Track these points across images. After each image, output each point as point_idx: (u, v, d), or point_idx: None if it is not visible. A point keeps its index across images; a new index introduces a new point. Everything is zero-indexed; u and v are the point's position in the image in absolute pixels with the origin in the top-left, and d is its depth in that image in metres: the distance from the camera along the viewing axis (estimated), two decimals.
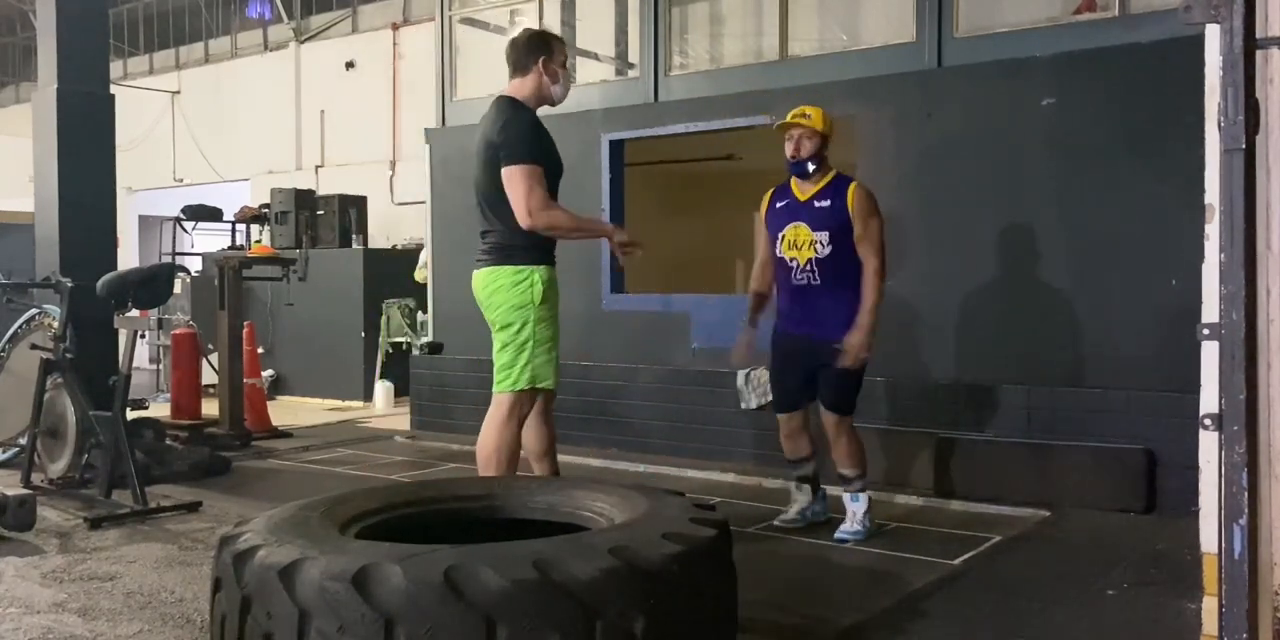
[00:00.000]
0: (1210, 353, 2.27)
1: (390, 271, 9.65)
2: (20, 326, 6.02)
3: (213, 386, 7.54)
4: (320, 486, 5.27)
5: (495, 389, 3.94)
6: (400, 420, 7.93)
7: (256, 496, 5.29)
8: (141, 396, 5.96)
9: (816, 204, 4.34)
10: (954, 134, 5.48)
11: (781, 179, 4.53)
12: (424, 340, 7.98)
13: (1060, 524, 4.62)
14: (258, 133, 13.43)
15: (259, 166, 13.35)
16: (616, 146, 6.74)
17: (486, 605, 1.98)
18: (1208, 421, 1.92)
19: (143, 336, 8.40)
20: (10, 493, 4.39)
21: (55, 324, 5.57)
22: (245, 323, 7.54)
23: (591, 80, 8.10)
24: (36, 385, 5.32)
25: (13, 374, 5.89)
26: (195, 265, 10.91)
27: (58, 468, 5.39)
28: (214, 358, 7.42)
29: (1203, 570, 2.53)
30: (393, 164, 12.04)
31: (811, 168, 4.35)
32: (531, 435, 4.04)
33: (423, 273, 8.36)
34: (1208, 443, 2.40)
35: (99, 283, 5.10)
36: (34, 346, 5.54)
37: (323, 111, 12.88)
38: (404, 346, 8.96)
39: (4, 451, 6.06)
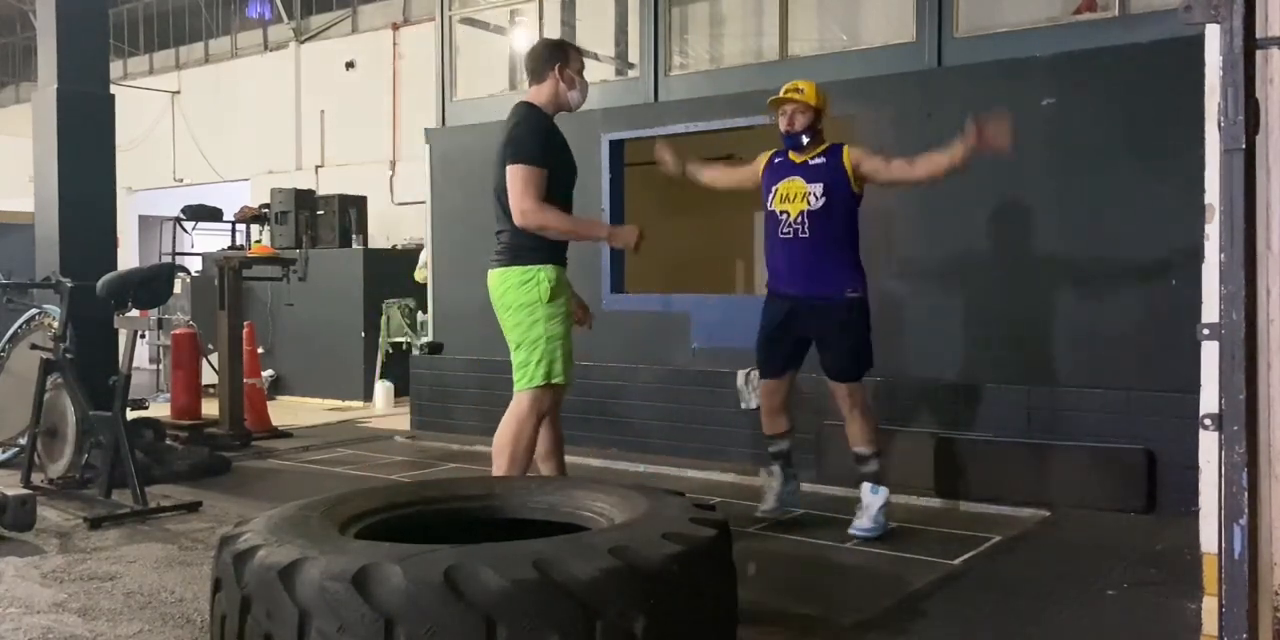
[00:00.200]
0: (1210, 353, 2.27)
1: (390, 271, 9.65)
2: (20, 326, 6.02)
3: (213, 386, 7.54)
4: (320, 486, 5.27)
5: (515, 388, 4.01)
6: (400, 420, 7.93)
7: (256, 496, 5.29)
8: (141, 396, 5.96)
9: (811, 162, 4.38)
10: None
11: None
12: (424, 340, 7.98)
13: (1060, 524, 4.62)
14: (258, 133, 13.43)
15: (259, 166, 13.35)
16: (616, 146, 6.74)
17: (486, 605, 1.98)
18: (1208, 421, 1.92)
19: (143, 336, 8.40)
20: (10, 493, 4.39)
21: (55, 324, 5.57)
22: (245, 323, 7.54)
23: (591, 80, 8.11)
24: (36, 385, 5.32)
25: (13, 374, 5.89)
26: (195, 265, 10.91)
27: (58, 468, 5.39)
28: (214, 358, 7.42)
29: (1203, 570, 2.53)
30: (393, 164, 12.05)
31: (805, 140, 4.38)
32: (537, 434, 4.08)
33: (423, 273, 8.36)
34: (1208, 443, 2.40)
35: (99, 283, 5.10)
36: (34, 346, 5.53)
37: (323, 111, 12.89)
38: (404, 346, 8.96)
39: (4, 451, 6.06)
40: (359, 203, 10.44)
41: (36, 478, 5.38)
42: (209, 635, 2.46)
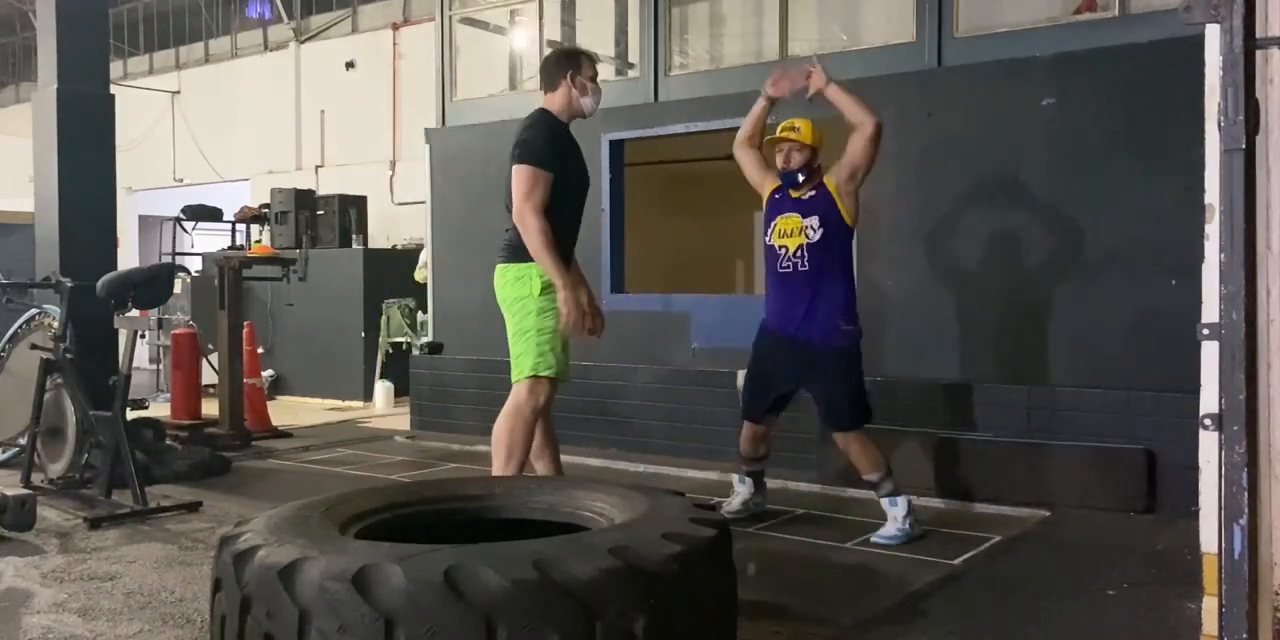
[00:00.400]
0: (1210, 353, 2.27)
1: (390, 271, 9.65)
2: (20, 326, 6.01)
3: (213, 386, 7.53)
4: (320, 486, 5.27)
5: (512, 380, 4.11)
6: (400, 420, 7.93)
7: (256, 496, 5.29)
8: (141, 396, 5.96)
9: (805, 197, 4.42)
10: (954, 134, 5.49)
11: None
12: (424, 340, 7.98)
13: (1060, 524, 4.62)
14: (258, 133, 13.43)
15: (259, 166, 13.35)
16: (616, 146, 6.74)
17: (486, 605, 1.98)
18: (1208, 421, 1.92)
19: (143, 336, 8.40)
20: (10, 493, 4.39)
21: (55, 324, 5.57)
22: (245, 323, 7.53)
23: None
24: (36, 385, 5.32)
25: (13, 374, 5.89)
26: (195, 265, 10.91)
27: (58, 468, 5.39)
28: (214, 358, 7.42)
29: (1203, 570, 2.53)
30: (393, 164, 12.05)
31: (801, 178, 4.42)
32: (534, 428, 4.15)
33: (423, 273, 8.36)
34: (1208, 443, 2.40)
35: (99, 283, 5.10)
36: (34, 346, 5.53)
37: (323, 111, 12.89)
38: (404, 346, 8.96)
39: (4, 451, 6.06)
40: (359, 203, 10.44)
41: (36, 478, 5.38)
42: (209, 635, 2.46)
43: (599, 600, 2.04)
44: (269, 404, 7.97)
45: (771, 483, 5.18)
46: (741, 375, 4.89)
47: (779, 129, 4.46)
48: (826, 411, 4.44)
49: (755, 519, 4.66)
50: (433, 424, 7.45)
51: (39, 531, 4.44)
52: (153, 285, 5.24)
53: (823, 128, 4.51)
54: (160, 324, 9.14)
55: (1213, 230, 2.24)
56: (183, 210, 11.09)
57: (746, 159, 4.63)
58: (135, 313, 5.93)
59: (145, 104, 14.21)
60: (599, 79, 4.34)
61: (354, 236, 10.12)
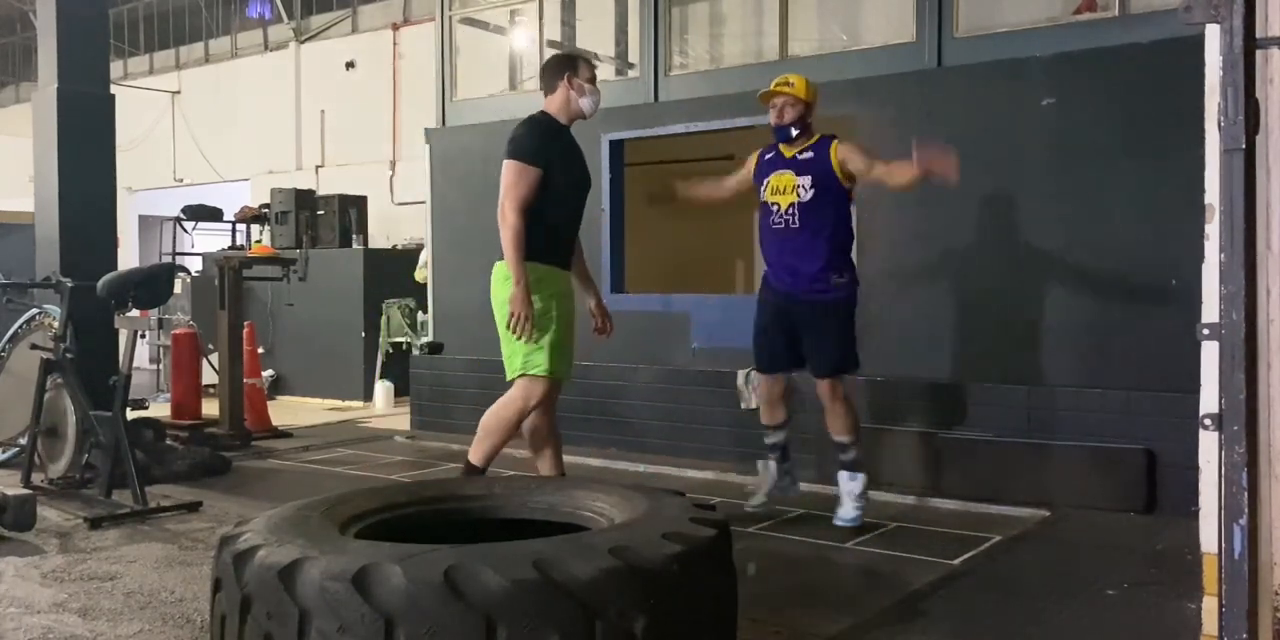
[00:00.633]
0: (1210, 353, 2.27)
1: (390, 271, 9.65)
2: (20, 326, 6.02)
3: (213, 386, 7.54)
4: (320, 486, 5.27)
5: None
6: (400, 420, 7.93)
7: (256, 496, 5.29)
8: (141, 396, 5.96)
9: (800, 156, 4.46)
10: (954, 134, 5.47)
11: None
12: (424, 340, 7.98)
13: (1060, 524, 4.62)
14: (258, 133, 13.43)
15: (259, 166, 13.35)
16: (616, 146, 6.74)
17: (486, 605, 1.98)
18: (1208, 421, 1.92)
19: (143, 336, 8.39)
20: (10, 493, 4.39)
21: (55, 324, 5.57)
22: (245, 323, 7.53)
23: None
24: (36, 385, 5.32)
25: (13, 374, 5.89)
26: (195, 265, 10.91)
27: (58, 468, 5.40)
28: (214, 358, 7.42)
29: (1203, 570, 2.53)
30: (393, 164, 12.05)
31: (795, 132, 4.46)
32: (532, 427, 4.32)
33: (423, 273, 8.36)
34: (1208, 443, 2.40)
35: (99, 283, 5.10)
36: (34, 346, 5.53)
37: (323, 111, 12.89)
38: (404, 346, 8.96)
39: (4, 451, 6.06)
40: (359, 203, 10.44)
41: (36, 478, 5.38)
42: (209, 635, 2.46)
43: (599, 600, 2.04)
44: (269, 404, 7.97)
45: None
46: (741, 375, 4.91)
47: (772, 83, 4.51)
48: (812, 358, 4.46)
49: (755, 519, 4.65)
50: (433, 424, 7.45)
51: (39, 531, 4.44)
52: (153, 285, 5.24)
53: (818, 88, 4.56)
54: (160, 324, 9.13)
55: (1213, 230, 2.23)
56: (183, 210, 11.10)
57: (716, 190, 4.75)
58: (135, 313, 5.93)
59: (145, 104, 14.21)
60: (598, 80, 4.41)
61: (354, 236, 10.12)
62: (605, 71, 8.37)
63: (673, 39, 6.86)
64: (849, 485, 4.45)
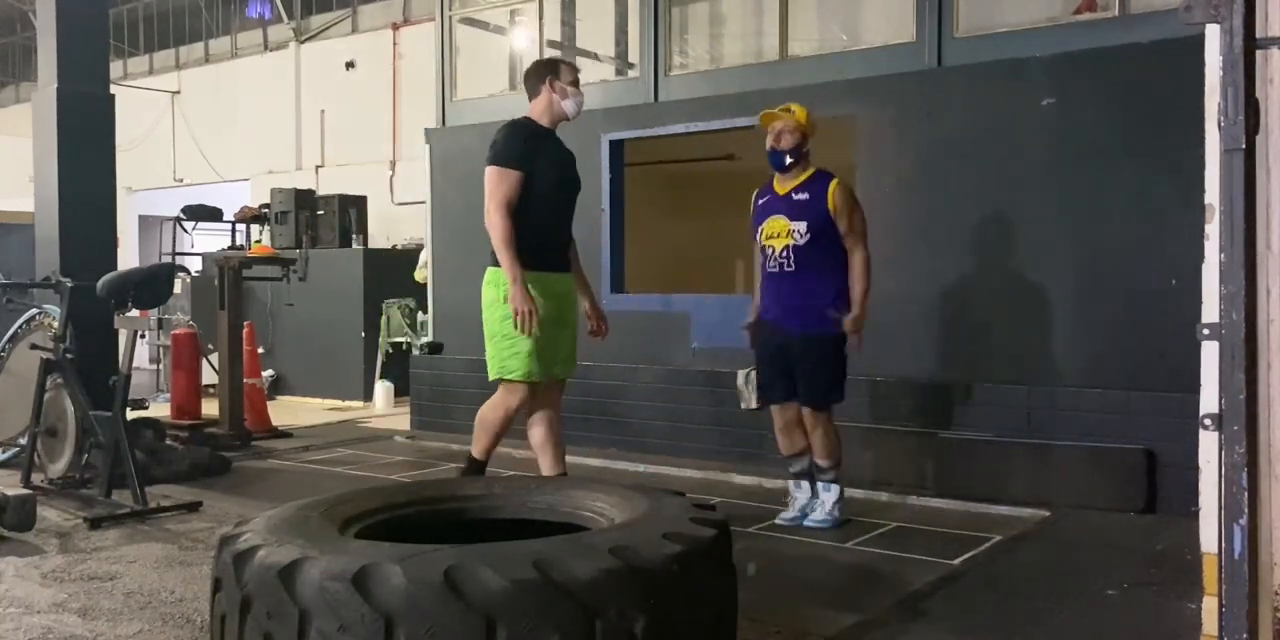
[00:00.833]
0: (1210, 353, 2.27)
1: (390, 271, 9.65)
2: (20, 326, 6.02)
3: (213, 386, 7.54)
4: (320, 486, 5.27)
5: None
6: (400, 420, 7.93)
7: (256, 496, 5.29)
8: (141, 396, 5.96)
9: (795, 196, 4.46)
10: (954, 134, 5.48)
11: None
12: (424, 340, 7.98)
13: (1060, 524, 4.62)
14: (258, 133, 13.43)
15: (259, 166, 13.36)
16: (616, 146, 6.74)
17: (486, 605, 1.98)
18: (1208, 421, 1.92)
19: (143, 336, 8.39)
20: (10, 493, 4.39)
21: (55, 324, 5.57)
22: (245, 323, 7.54)
23: (591, 80, 8.10)
24: (36, 385, 5.32)
25: (13, 374, 5.89)
26: (195, 265, 10.91)
27: (58, 468, 5.40)
28: (214, 358, 7.42)
29: (1203, 570, 2.53)
30: (393, 164, 12.05)
31: (789, 160, 4.45)
32: (531, 427, 4.44)
33: (423, 273, 8.36)
34: (1208, 443, 2.40)
35: (99, 283, 5.10)
36: (34, 346, 5.54)
37: (323, 111, 12.89)
38: (404, 346, 8.96)
39: (4, 451, 6.06)
40: (359, 203, 10.44)
41: (36, 478, 5.38)
42: (209, 635, 2.46)
43: (599, 600, 2.04)
44: (269, 404, 7.97)
45: (772, 483, 5.21)
46: (741, 375, 4.91)
47: (776, 108, 4.52)
48: (803, 389, 4.49)
49: (755, 519, 4.66)
50: (433, 424, 7.45)
51: (39, 531, 4.44)
52: (153, 285, 5.24)
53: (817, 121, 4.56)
54: (160, 324, 9.12)
55: (1213, 230, 2.23)
56: (183, 210, 11.09)
57: None
58: (135, 313, 5.93)
59: (145, 104, 14.21)
60: (580, 83, 4.52)
61: (354, 236, 10.12)
62: (605, 71, 8.39)
63: (673, 39, 6.86)
64: (825, 495, 4.57)
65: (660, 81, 6.63)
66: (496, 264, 4.24)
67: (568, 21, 8.44)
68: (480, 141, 7.06)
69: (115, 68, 10.41)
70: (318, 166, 12.88)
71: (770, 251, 4.49)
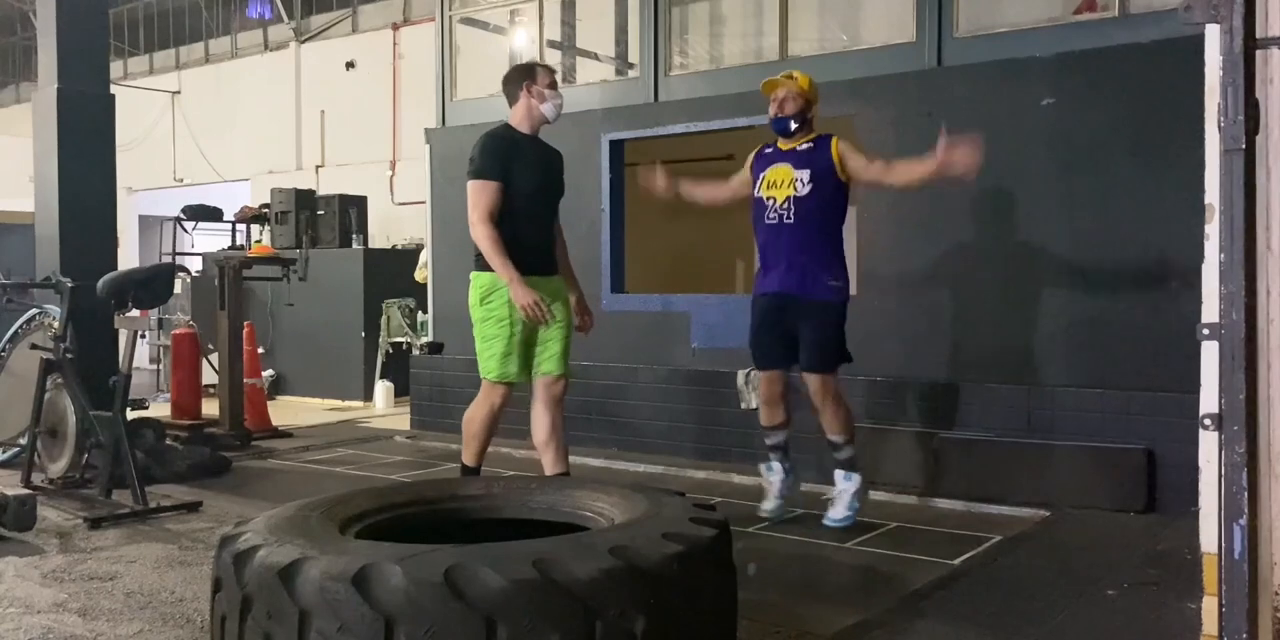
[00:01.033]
0: (1210, 353, 2.27)
1: (390, 271, 9.66)
2: (20, 326, 6.02)
3: (213, 386, 7.54)
4: (320, 486, 5.28)
5: None
6: (400, 420, 7.93)
7: (256, 496, 5.29)
8: (141, 396, 5.96)
9: (799, 149, 4.45)
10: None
11: None
12: (424, 340, 7.98)
13: (1060, 524, 4.62)
14: (258, 133, 13.43)
15: (259, 166, 13.35)
16: (616, 146, 6.74)
17: (486, 605, 1.98)
18: (1208, 421, 1.92)
19: (143, 336, 8.40)
20: (10, 493, 4.39)
21: (55, 324, 5.57)
22: (245, 323, 7.54)
23: (591, 80, 8.10)
24: (36, 385, 5.32)
25: (13, 374, 5.89)
26: (195, 265, 10.91)
27: (58, 468, 5.40)
28: (214, 358, 7.42)
29: (1203, 570, 2.53)
30: (393, 164, 12.04)
31: (794, 125, 4.45)
32: (534, 426, 4.57)
33: (423, 273, 8.36)
34: (1208, 443, 2.40)
35: (99, 283, 5.10)
36: (34, 346, 5.54)
37: (323, 111, 12.88)
38: (404, 346, 8.96)
39: (4, 451, 6.06)
40: (359, 203, 10.44)
41: (36, 478, 5.38)
42: (209, 635, 2.46)
43: (599, 600, 2.04)
44: (269, 404, 7.97)
45: None
46: (741, 375, 4.92)
47: (778, 76, 4.53)
48: (804, 353, 4.45)
49: (755, 519, 4.65)
50: (433, 424, 7.45)
51: (39, 531, 4.44)
52: (153, 285, 5.25)
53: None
54: (160, 324, 9.13)
55: (1213, 230, 2.23)
56: (183, 210, 11.10)
57: (717, 193, 4.76)
58: (135, 313, 5.94)
59: (145, 104, 14.20)
60: (559, 85, 4.62)
61: (354, 236, 10.12)
62: (605, 71, 8.39)
63: (673, 39, 6.86)
64: (844, 485, 4.45)
65: (660, 81, 6.63)
66: (480, 268, 4.42)
67: (568, 21, 8.44)
68: None
69: (115, 68, 10.41)
70: (318, 166, 12.87)
71: (770, 203, 4.43)
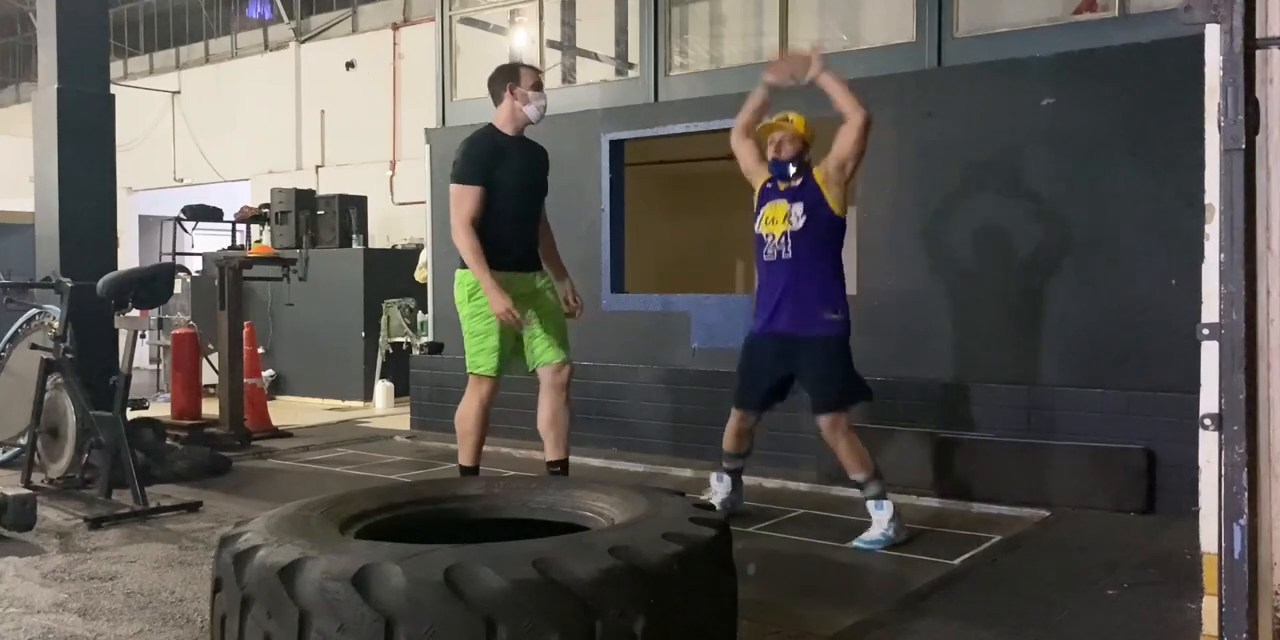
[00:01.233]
0: (1210, 353, 2.27)
1: (390, 271, 9.66)
2: (20, 326, 6.02)
3: (213, 386, 7.54)
4: (320, 486, 5.28)
5: None
6: (400, 420, 7.93)
7: (256, 496, 5.29)
8: (141, 396, 5.96)
9: (794, 186, 4.43)
10: (954, 134, 5.48)
11: None
12: (424, 340, 7.97)
13: (1060, 524, 4.62)
14: (258, 133, 13.43)
15: (259, 166, 13.35)
16: (616, 146, 6.74)
17: (486, 605, 1.98)
18: (1208, 421, 1.92)
19: (143, 336, 8.40)
20: (10, 493, 4.39)
21: (55, 324, 5.57)
22: (245, 323, 7.53)
23: (591, 80, 8.10)
24: (36, 385, 5.32)
25: (13, 374, 5.89)
26: (195, 265, 10.91)
27: (58, 468, 5.39)
28: (214, 358, 7.42)
29: (1203, 570, 2.53)
30: (393, 164, 12.04)
31: (792, 170, 4.43)
32: (539, 413, 4.77)
33: (423, 273, 8.36)
34: (1208, 443, 2.40)
35: (99, 283, 5.10)
36: (34, 346, 5.53)
37: (323, 111, 12.88)
38: (404, 346, 8.96)
39: (4, 451, 6.06)
40: (359, 203, 10.44)
41: (36, 478, 5.38)
42: (209, 635, 2.46)
43: (599, 600, 2.04)
44: (269, 404, 7.97)
45: (771, 483, 5.21)
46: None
47: (774, 119, 4.50)
48: (811, 395, 4.40)
49: (755, 519, 4.65)
50: (433, 424, 7.44)
51: (39, 531, 4.44)
52: (153, 285, 5.25)
53: (816, 126, 4.52)
54: (160, 324, 9.12)
55: (1213, 230, 2.24)
56: (183, 210, 11.10)
57: (744, 149, 4.65)
58: (135, 313, 5.94)
59: (145, 104, 14.20)
60: (544, 86, 4.72)
61: (354, 236, 10.12)
62: (605, 71, 8.39)
63: (673, 39, 6.86)
64: (878, 515, 4.28)
65: (660, 81, 6.63)
66: (461, 266, 4.57)
67: (568, 21, 8.44)
68: None
69: (115, 68, 10.39)
70: (318, 166, 12.87)
71: (769, 239, 4.42)
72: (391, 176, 12.00)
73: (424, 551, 2.11)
